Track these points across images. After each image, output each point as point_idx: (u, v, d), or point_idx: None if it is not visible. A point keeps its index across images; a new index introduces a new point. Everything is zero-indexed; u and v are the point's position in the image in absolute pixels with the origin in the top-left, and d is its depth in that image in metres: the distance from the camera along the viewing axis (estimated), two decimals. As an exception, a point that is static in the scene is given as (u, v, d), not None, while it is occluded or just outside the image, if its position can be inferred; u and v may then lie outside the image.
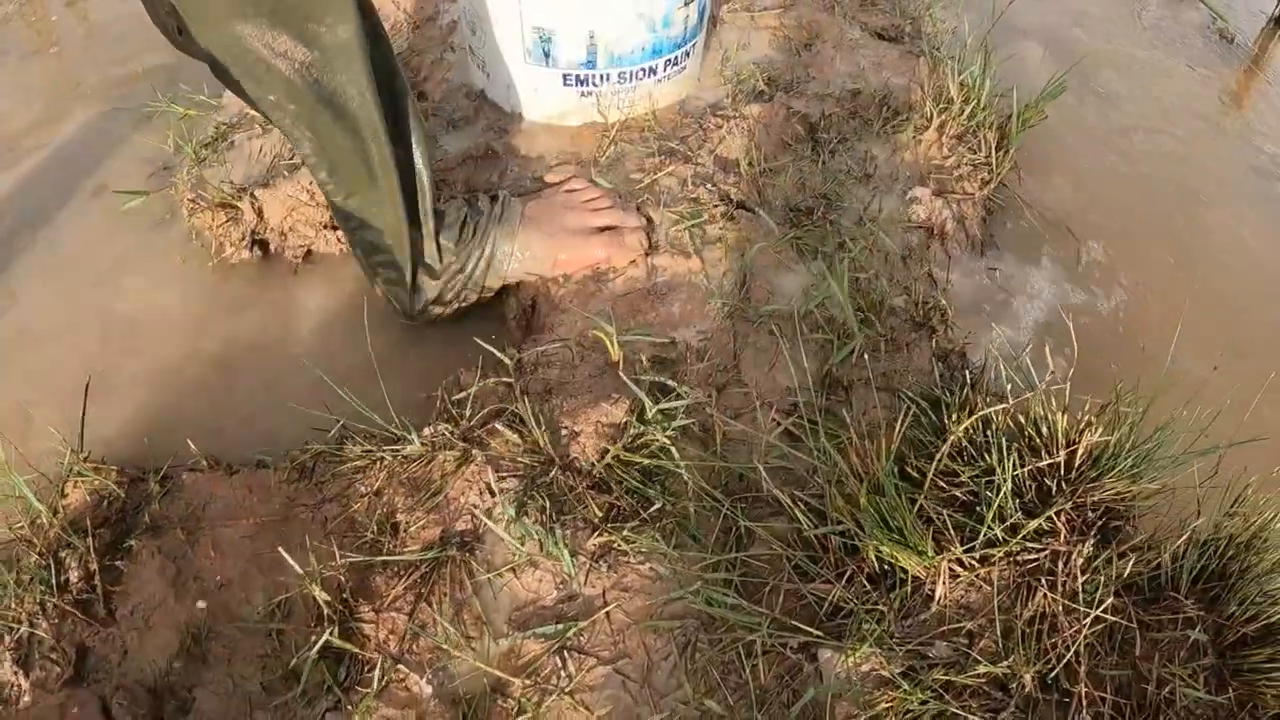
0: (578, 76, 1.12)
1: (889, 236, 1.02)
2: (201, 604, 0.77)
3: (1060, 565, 0.71)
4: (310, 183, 1.16)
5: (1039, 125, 1.28)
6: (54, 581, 0.77)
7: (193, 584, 0.80)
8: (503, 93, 1.20)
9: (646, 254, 0.98)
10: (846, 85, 1.26)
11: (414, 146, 0.90)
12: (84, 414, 0.89)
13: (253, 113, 1.29)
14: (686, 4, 1.10)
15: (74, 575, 0.80)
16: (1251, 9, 1.97)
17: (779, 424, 0.79)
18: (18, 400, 0.97)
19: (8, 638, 0.77)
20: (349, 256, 1.16)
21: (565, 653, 0.68)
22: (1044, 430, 0.78)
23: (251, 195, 1.17)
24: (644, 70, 1.13)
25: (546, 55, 1.10)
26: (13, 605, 0.77)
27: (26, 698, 0.75)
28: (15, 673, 0.75)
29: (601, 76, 1.12)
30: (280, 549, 0.75)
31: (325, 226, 1.17)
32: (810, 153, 1.14)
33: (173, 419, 0.98)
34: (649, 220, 1.02)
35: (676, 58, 1.15)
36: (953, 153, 1.18)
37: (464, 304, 1.00)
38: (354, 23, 0.80)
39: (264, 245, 1.19)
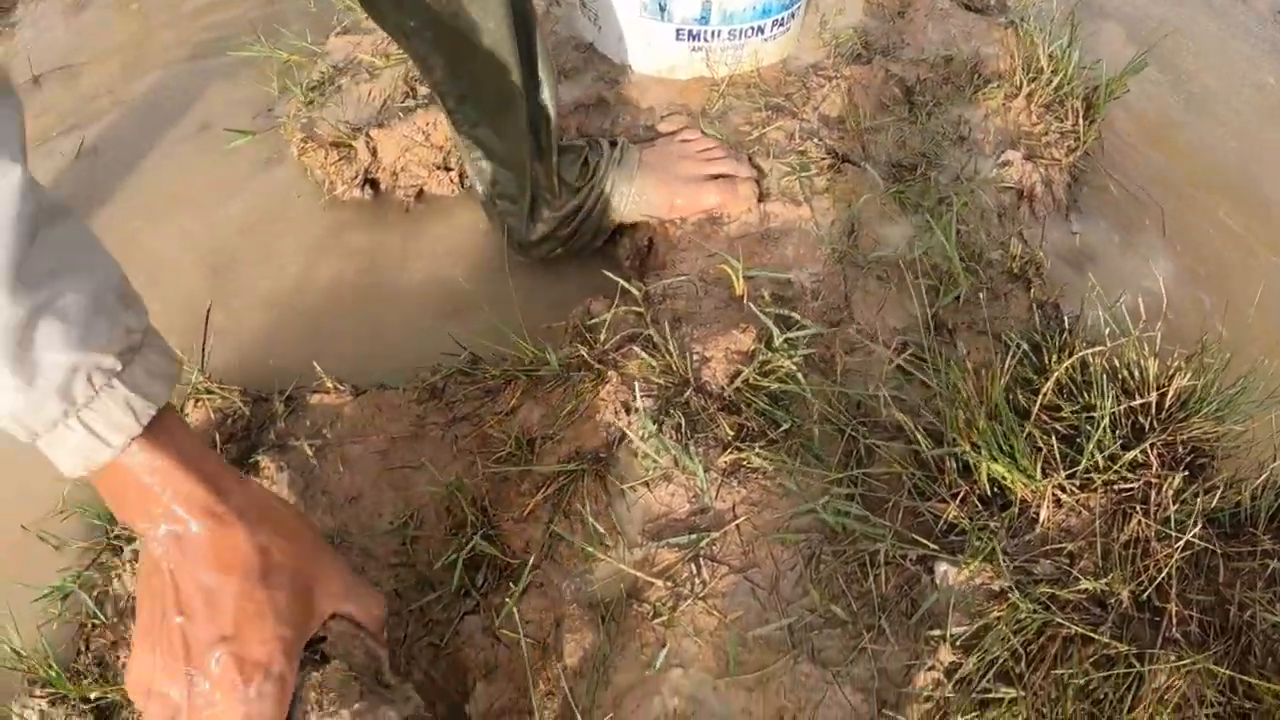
0: (690, 32, 1.18)
1: (981, 192, 1.09)
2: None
3: (1153, 495, 0.77)
4: (425, 124, 1.23)
5: (1121, 98, 1.33)
6: None
7: (321, 497, 0.86)
8: (614, 45, 1.26)
9: (759, 201, 1.04)
10: (939, 52, 1.31)
11: (541, 79, 0.96)
12: (205, 335, 0.96)
13: (361, 57, 1.36)
14: (800, -31, 1.15)
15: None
16: None
17: (892, 360, 0.86)
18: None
19: (127, 549, 0.84)
20: (461, 197, 1.23)
21: (699, 560, 0.76)
22: (1137, 374, 0.84)
23: (366, 135, 1.24)
24: (753, 29, 1.19)
25: (662, 10, 1.16)
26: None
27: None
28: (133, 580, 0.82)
29: (713, 33, 1.18)
30: (424, 460, 0.83)
31: (438, 167, 1.24)
32: (908, 114, 1.19)
33: (294, 346, 1.05)
34: (759, 170, 1.08)
35: (783, 19, 1.21)
36: (1041, 120, 1.24)
37: (578, 242, 1.07)
38: None
39: (375, 184, 1.26)
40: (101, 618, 0.79)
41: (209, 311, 0.99)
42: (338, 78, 1.36)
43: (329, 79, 1.36)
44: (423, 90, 1.28)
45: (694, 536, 0.76)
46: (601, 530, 0.77)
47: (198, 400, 0.94)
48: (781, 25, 1.22)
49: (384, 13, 0.88)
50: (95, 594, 0.81)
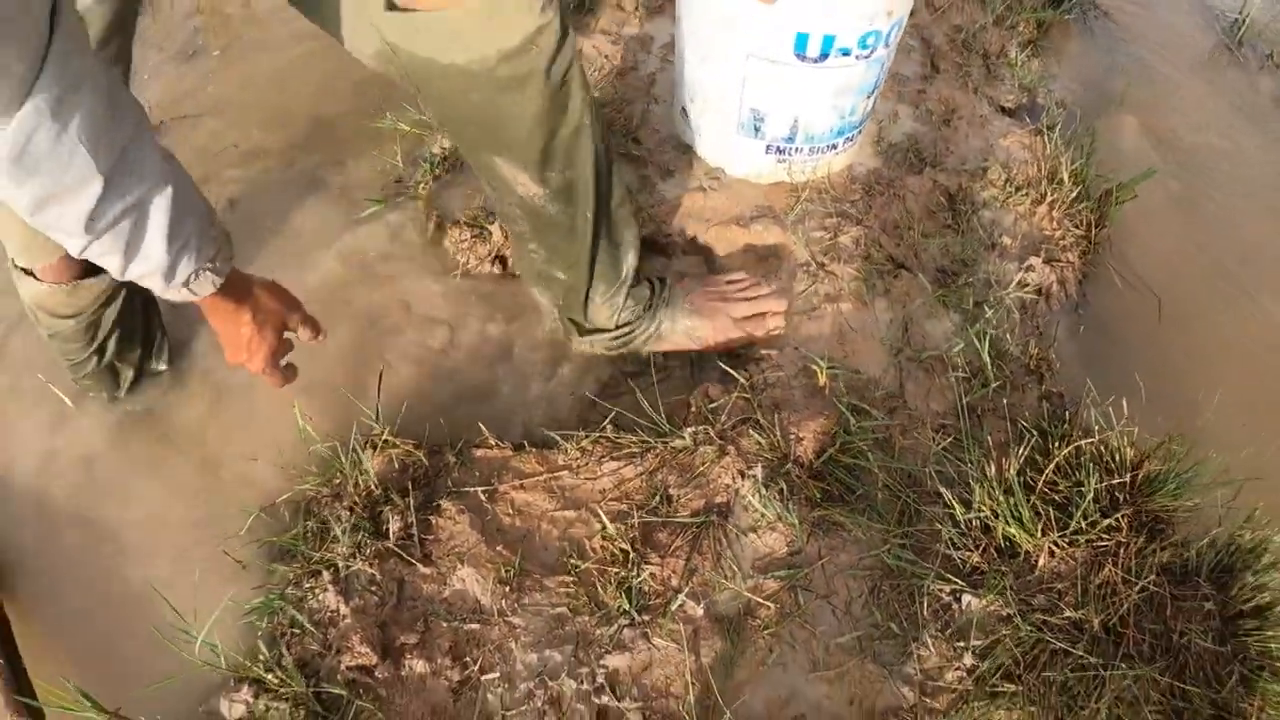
0: (778, 148, 1.51)
1: (1008, 296, 1.42)
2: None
3: (1121, 551, 1.11)
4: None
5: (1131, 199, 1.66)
6: (371, 530, 1.15)
7: (497, 534, 1.19)
8: (710, 151, 1.59)
9: (832, 302, 1.38)
10: (978, 162, 1.64)
11: (614, 212, 1.23)
12: (379, 393, 1.29)
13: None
14: (869, 97, 1.48)
15: (395, 526, 1.16)
16: None
17: (936, 443, 1.20)
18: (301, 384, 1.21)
19: (326, 574, 1.16)
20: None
21: (795, 589, 1.10)
22: (1117, 458, 1.18)
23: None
24: (828, 146, 1.52)
25: (756, 129, 1.49)
26: (332, 549, 1.14)
27: (347, 620, 1.10)
28: (337, 598, 1.11)
29: (796, 149, 1.51)
30: (582, 507, 1.17)
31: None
32: (952, 219, 1.53)
33: (444, 403, 1.37)
34: (787, 300, 1.41)
35: (852, 136, 1.54)
36: (1060, 226, 1.57)
37: (617, 352, 1.39)
38: (590, 163, 1.11)
39: (503, 261, 1.58)
40: (306, 626, 1.11)
41: (382, 374, 1.33)
42: (458, 156, 1.67)
43: (454, 154, 1.67)
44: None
45: (791, 571, 1.10)
46: (723, 567, 1.12)
47: (379, 449, 1.26)
48: (850, 140, 1.55)
49: (488, 188, 1.18)
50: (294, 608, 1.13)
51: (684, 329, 1.37)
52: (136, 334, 1.33)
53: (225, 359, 1.04)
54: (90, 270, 1.18)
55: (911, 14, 1.43)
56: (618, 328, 1.33)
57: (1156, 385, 1.41)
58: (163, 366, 1.41)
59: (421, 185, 1.62)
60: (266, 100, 1.84)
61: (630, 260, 1.29)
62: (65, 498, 1.28)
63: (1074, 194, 1.58)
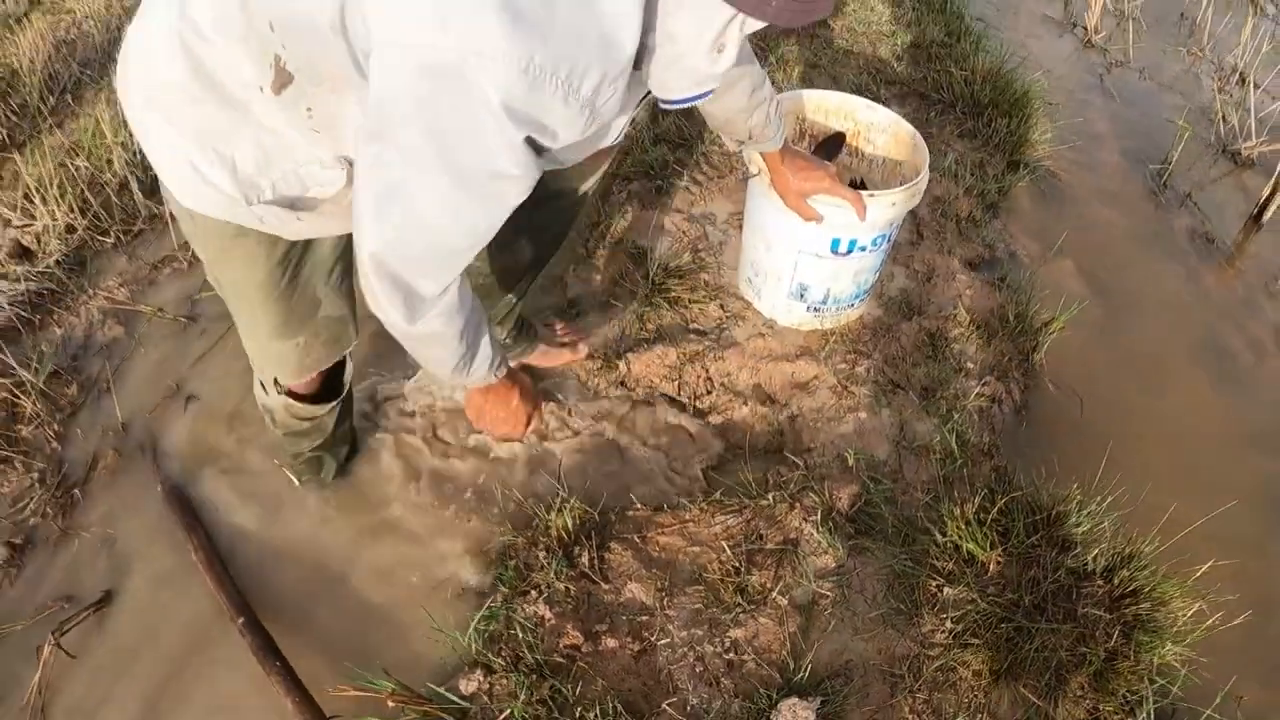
0: (815, 307, 2.31)
1: (969, 404, 2.20)
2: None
3: (1042, 558, 1.87)
4: (662, 353, 2.36)
5: (1067, 323, 2.45)
6: (566, 563, 1.89)
7: (650, 562, 1.96)
8: (767, 308, 2.40)
9: (852, 412, 2.16)
10: (951, 308, 2.44)
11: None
12: (560, 476, 2.07)
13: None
14: (876, 272, 2.29)
15: (585, 558, 1.94)
16: (1238, 210, 3.12)
17: (923, 498, 1.97)
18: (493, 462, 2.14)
19: (534, 592, 1.92)
20: (687, 388, 2.35)
21: (842, 586, 1.86)
22: (1038, 503, 1.94)
23: (625, 357, 2.36)
24: (850, 305, 2.33)
25: (801, 296, 2.29)
26: (537, 576, 1.89)
27: (551, 621, 1.88)
28: (545, 608, 1.85)
29: (828, 308, 2.31)
30: (710, 543, 1.93)
31: (665, 379, 2.36)
32: (931, 352, 2.32)
33: (594, 477, 2.14)
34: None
35: (866, 296, 2.35)
36: (1006, 352, 2.36)
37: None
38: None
39: (625, 383, 2.38)
40: (523, 626, 1.85)
41: (561, 461, 2.11)
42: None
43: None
44: (652, 325, 2.41)
45: (839, 576, 1.86)
46: (799, 574, 1.87)
47: (561, 510, 2.02)
48: (864, 299, 2.36)
49: None
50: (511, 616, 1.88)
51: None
52: (346, 438, 2.04)
53: (494, 434, 1.79)
54: (330, 389, 1.76)
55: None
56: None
57: (1074, 458, 2.18)
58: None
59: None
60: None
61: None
62: (316, 549, 1.97)
63: (1017, 328, 2.38)
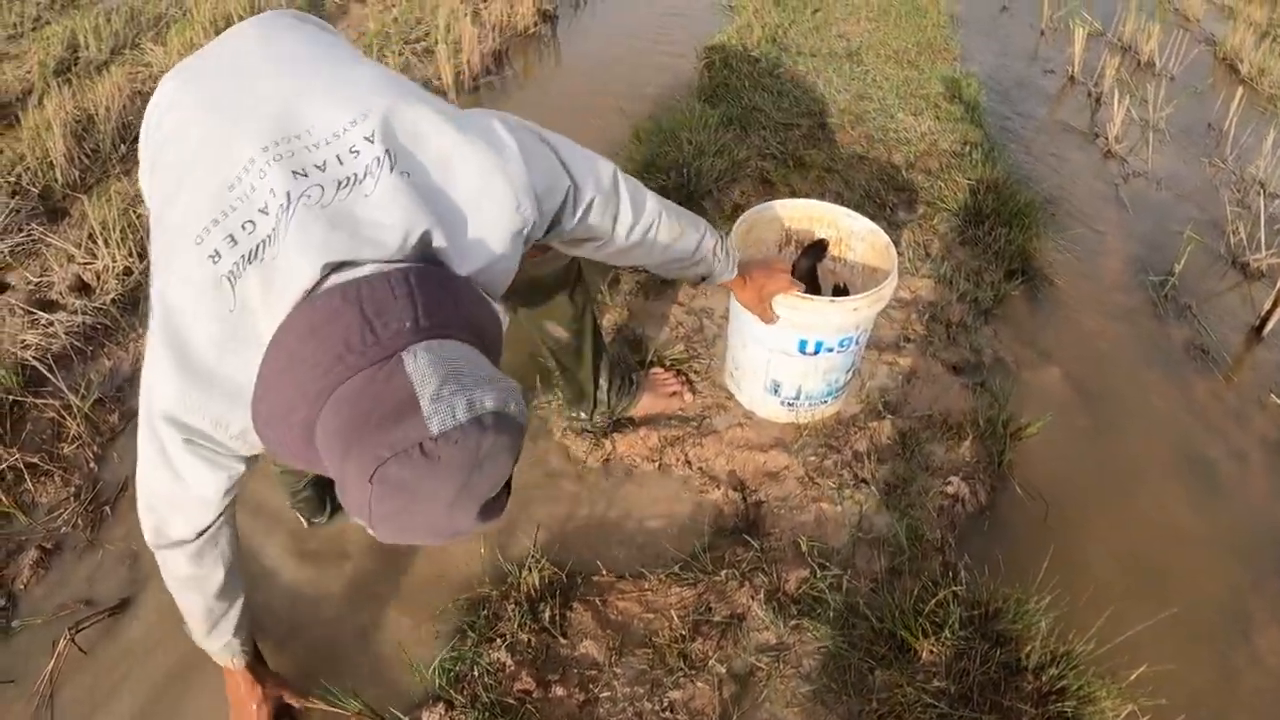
0: (789, 403, 2.52)
1: (931, 504, 2.38)
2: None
3: (973, 650, 2.03)
4: (648, 431, 2.58)
5: (1038, 429, 2.61)
6: (531, 616, 2.10)
7: (607, 623, 2.16)
8: (746, 400, 2.61)
9: (818, 502, 2.36)
10: (926, 410, 2.63)
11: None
12: (536, 537, 2.29)
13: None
14: (847, 372, 2.50)
15: (547, 614, 2.16)
16: (1240, 322, 3.25)
17: (868, 585, 2.15)
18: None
19: (499, 640, 2.12)
20: (665, 470, 2.56)
21: (778, 660, 2.04)
22: (979, 598, 2.11)
23: (611, 436, 2.59)
24: (822, 402, 2.53)
25: (775, 391, 2.51)
26: (503, 627, 2.11)
27: (511, 668, 2.10)
28: (506, 655, 2.07)
29: (801, 404, 2.52)
30: (663, 610, 2.13)
31: (646, 459, 2.58)
32: (900, 450, 2.51)
33: (567, 542, 2.36)
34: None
35: (839, 394, 2.55)
36: (976, 455, 2.53)
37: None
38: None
39: (609, 460, 2.60)
40: (483, 669, 2.07)
41: (538, 529, 2.33)
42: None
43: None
44: (640, 409, 2.64)
45: (777, 651, 2.04)
46: (739, 646, 2.06)
47: (531, 570, 2.23)
48: (837, 397, 2.56)
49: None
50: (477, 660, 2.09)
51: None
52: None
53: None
54: None
55: (896, 291, 2.46)
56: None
57: (1025, 558, 2.33)
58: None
59: (555, 409, 2.66)
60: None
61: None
62: (312, 584, 2.23)
63: (987, 432, 2.56)
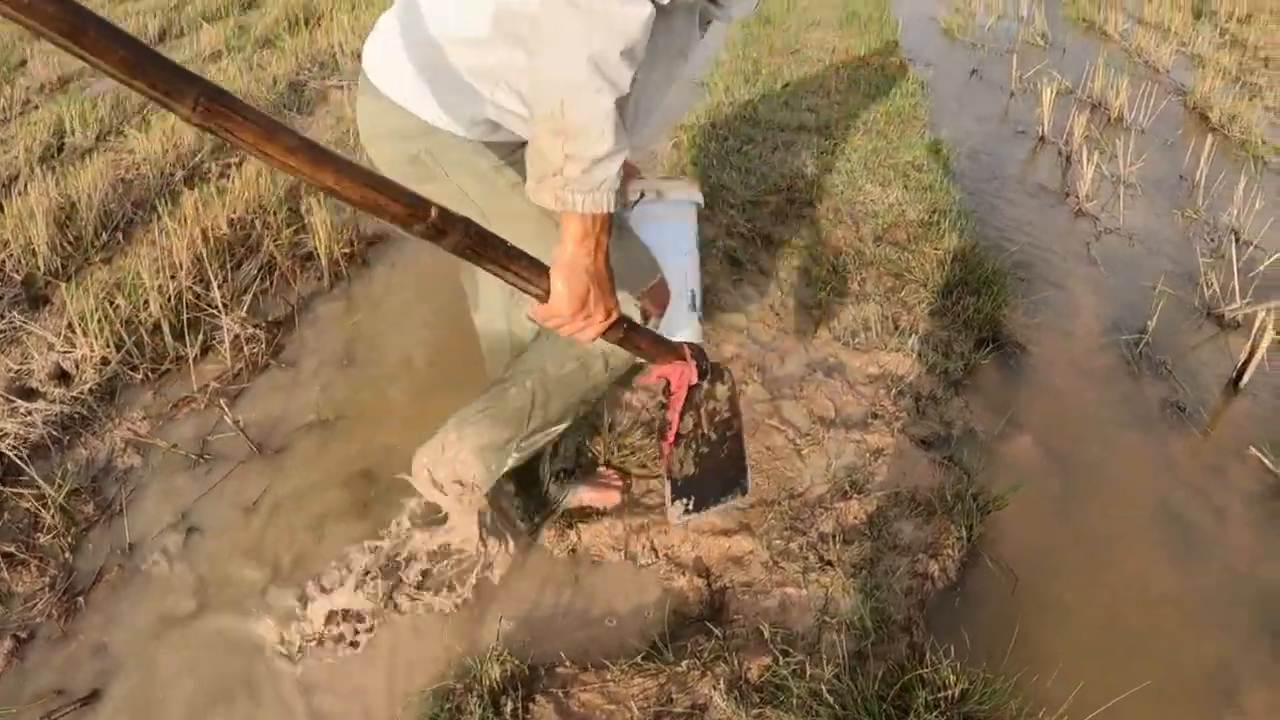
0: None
1: (899, 584, 2.40)
2: (599, 729, 2.18)
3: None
4: (612, 520, 2.63)
5: (1011, 500, 2.64)
6: (493, 708, 2.15)
7: (570, 716, 2.19)
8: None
9: (783, 587, 2.39)
10: (894, 486, 2.67)
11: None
12: (499, 629, 2.33)
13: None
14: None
15: (509, 709, 2.18)
16: (1217, 375, 3.29)
17: (831, 671, 2.17)
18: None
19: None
20: (631, 558, 2.60)
21: (745, 755, 2.05)
22: (946, 680, 2.13)
23: (577, 526, 2.64)
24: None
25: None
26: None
27: None
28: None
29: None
30: (624, 702, 2.15)
31: (612, 549, 2.62)
32: (867, 529, 2.54)
33: (532, 633, 2.39)
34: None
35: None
36: (945, 531, 2.57)
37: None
38: None
39: (574, 551, 2.64)
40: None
41: (501, 619, 2.36)
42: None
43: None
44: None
45: (743, 748, 2.06)
46: (705, 744, 2.08)
47: (493, 663, 2.27)
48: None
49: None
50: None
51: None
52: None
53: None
54: None
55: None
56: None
57: (994, 636, 2.35)
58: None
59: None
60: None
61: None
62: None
63: (954, 507, 2.59)
